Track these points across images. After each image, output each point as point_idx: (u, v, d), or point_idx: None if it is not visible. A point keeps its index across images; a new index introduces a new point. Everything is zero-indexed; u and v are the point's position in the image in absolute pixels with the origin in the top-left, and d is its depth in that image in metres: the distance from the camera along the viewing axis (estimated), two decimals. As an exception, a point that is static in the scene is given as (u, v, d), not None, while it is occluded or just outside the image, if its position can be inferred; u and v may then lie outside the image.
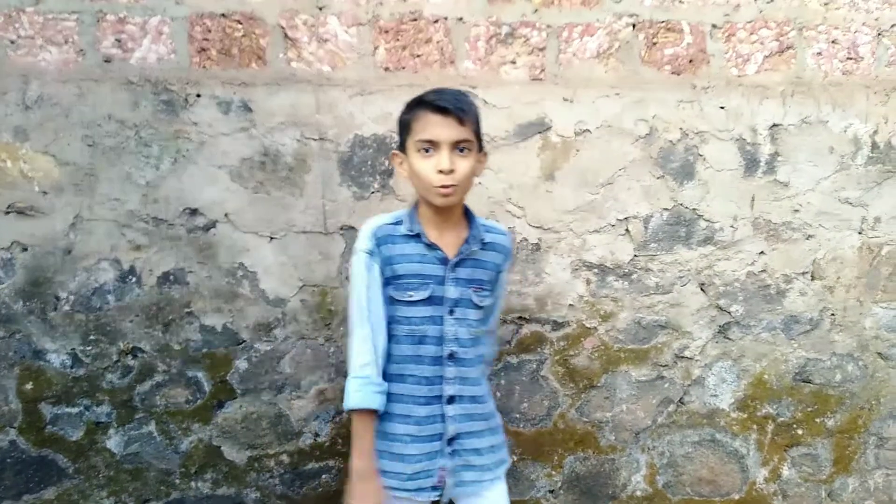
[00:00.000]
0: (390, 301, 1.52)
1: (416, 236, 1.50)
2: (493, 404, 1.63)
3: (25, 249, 1.94)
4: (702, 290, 2.09)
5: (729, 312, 2.10)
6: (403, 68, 1.95)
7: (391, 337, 1.53)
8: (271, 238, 1.99)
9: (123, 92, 1.91)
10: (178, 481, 2.04)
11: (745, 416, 2.15)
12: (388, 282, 1.51)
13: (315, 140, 1.96)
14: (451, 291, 1.50)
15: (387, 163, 1.98)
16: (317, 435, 2.07)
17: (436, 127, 1.40)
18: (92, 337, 1.98)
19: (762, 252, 2.08)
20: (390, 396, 1.52)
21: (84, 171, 1.92)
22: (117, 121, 1.91)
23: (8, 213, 1.92)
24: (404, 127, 1.48)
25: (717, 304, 2.10)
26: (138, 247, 1.96)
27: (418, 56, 1.95)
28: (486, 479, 1.55)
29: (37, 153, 1.91)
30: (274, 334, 2.02)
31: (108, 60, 1.90)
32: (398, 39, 1.94)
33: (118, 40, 1.89)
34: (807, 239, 2.08)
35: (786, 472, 2.18)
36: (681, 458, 2.16)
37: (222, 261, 1.98)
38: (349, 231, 2.00)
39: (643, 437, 2.14)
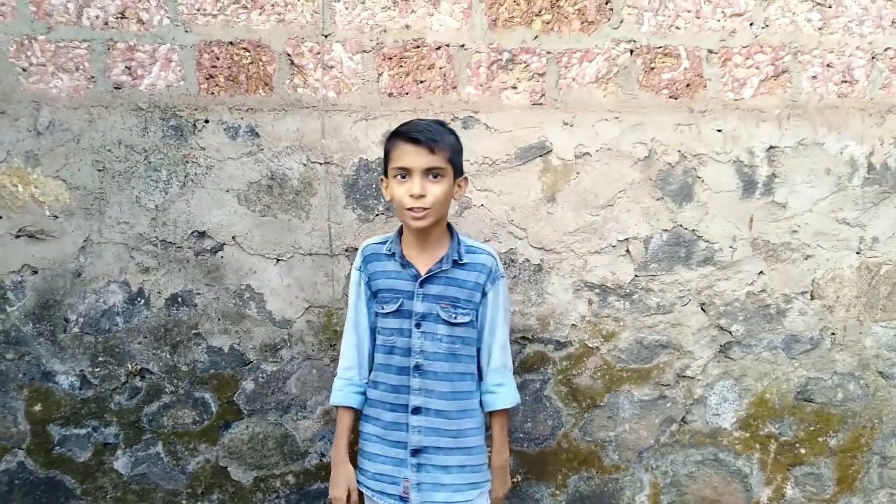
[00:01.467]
0: (375, 314, 1.69)
1: (393, 255, 1.66)
2: (474, 427, 1.66)
3: (36, 272, 1.97)
4: (702, 309, 2.11)
5: (730, 332, 2.12)
6: (407, 94, 1.99)
7: (374, 346, 1.70)
8: (278, 260, 2.02)
9: (133, 118, 1.95)
10: (184, 502, 2.06)
11: (748, 435, 2.16)
12: (374, 295, 1.69)
13: (321, 164, 2.00)
14: (419, 306, 1.63)
15: (391, 186, 2.01)
16: (322, 455, 2.08)
17: (409, 155, 1.54)
18: (100, 358, 2.00)
19: (761, 272, 2.11)
20: (368, 400, 1.69)
21: (94, 196, 1.96)
22: (127, 146, 1.95)
23: (19, 236, 1.95)
24: (386, 155, 1.62)
25: (718, 323, 2.12)
26: (147, 269, 1.99)
27: (421, 82, 1.99)
28: (456, 500, 1.61)
29: (48, 178, 1.95)
30: (280, 355, 2.04)
31: (118, 87, 1.94)
32: (401, 66, 1.98)
33: (128, 67, 1.93)
34: (805, 259, 2.11)
35: (789, 491, 2.18)
36: (684, 478, 2.17)
37: (229, 283, 2.01)
38: (354, 253, 2.02)
39: (646, 456, 2.15)
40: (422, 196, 1.53)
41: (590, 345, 2.10)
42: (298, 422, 2.07)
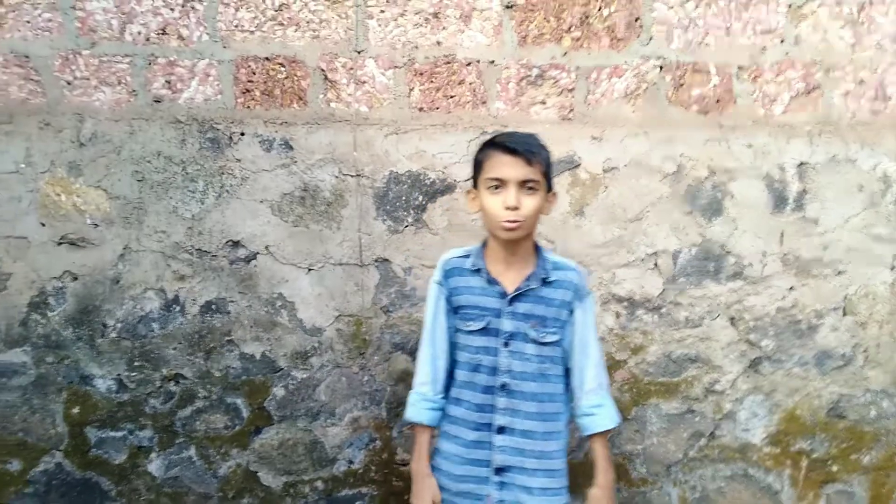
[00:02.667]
0: (456, 329, 1.63)
1: (478, 271, 1.60)
2: (558, 449, 1.61)
3: (76, 279, 2.03)
4: (732, 324, 2.10)
5: (760, 347, 2.11)
6: (437, 108, 2.03)
7: (456, 362, 1.65)
8: (309, 269, 2.06)
9: (172, 130, 2.01)
10: (215, 506, 2.10)
11: (779, 451, 2.15)
12: (455, 311, 1.63)
13: (352, 176, 2.04)
14: (507, 325, 1.57)
15: (420, 198, 2.04)
16: (351, 462, 2.11)
17: (504, 166, 1.49)
18: (137, 363, 2.06)
19: (792, 287, 2.10)
20: (448, 417, 1.65)
21: (133, 205, 2.02)
22: (165, 157, 2.01)
23: (61, 243, 2.02)
24: (477, 166, 1.57)
25: (748, 338, 2.11)
26: (182, 277, 2.04)
27: (451, 97, 2.02)
28: None
29: (89, 187, 2.01)
30: (310, 363, 2.08)
31: (157, 100, 2.00)
32: (432, 81, 2.02)
33: (168, 82, 2.00)
34: (837, 275, 2.09)
35: (820, 509, 2.16)
36: (713, 493, 2.16)
37: (262, 291, 2.05)
38: (383, 263, 2.06)
39: (675, 470, 2.14)
40: (516, 208, 1.48)
41: (617, 358, 2.10)
42: (327, 429, 2.10)
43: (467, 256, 1.64)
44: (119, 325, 2.04)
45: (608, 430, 1.62)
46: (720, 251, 2.08)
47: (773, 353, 2.12)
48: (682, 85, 2.02)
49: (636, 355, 2.10)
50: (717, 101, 2.03)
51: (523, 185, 1.50)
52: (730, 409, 2.14)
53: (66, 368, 2.05)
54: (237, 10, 1.97)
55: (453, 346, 1.65)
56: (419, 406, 1.65)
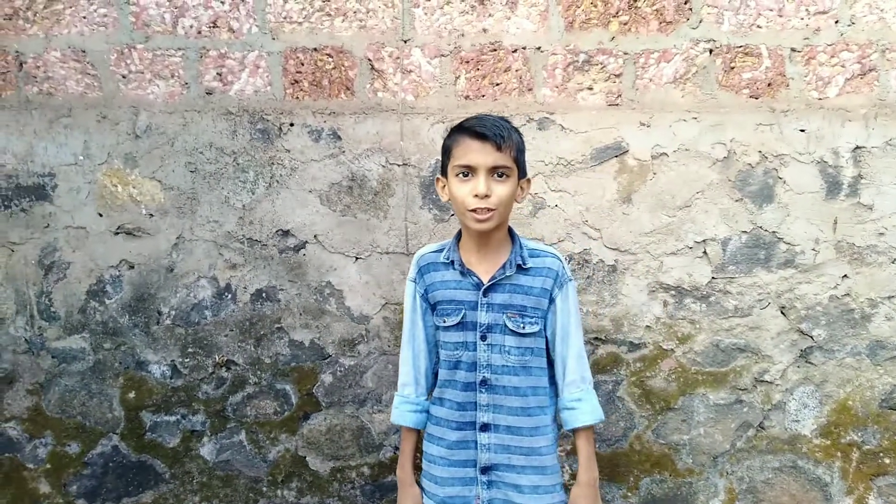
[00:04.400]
0: (435, 327, 1.57)
1: (452, 263, 1.53)
2: (547, 444, 1.53)
3: (132, 267, 2.09)
4: (782, 313, 2.07)
5: (811, 336, 2.07)
6: (483, 96, 2.03)
7: (438, 361, 1.60)
8: (356, 258, 2.08)
9: (223, 122, 2.05)
10: (265, 489, 2.14)
11: (829, 442, 2.11)
12: (433, 308, 1.57)
13: (399, 165, 2.05)
14: (483, 317, 1.50)
15: (466, 186, 2.05)
16: (396, 448, 2.13)
17: (474, 153, 1.42)
18: (190, 350, 2.11)
19: (845, 275, 2.05)
20: (432, 419, 1.59)
21: (186, 195, 2.07)
22: (217, 148, 2.05)
23: (117, 233, 2.08)
24: (446, 152, 1.50)
25: (799, 327, 2.07)
26: (234, 266, 2.09)
27: (497, 84, 2.02)
28: None
29: (144, 178, 2.07)
30: (358, 350, 2.11)
31: (209, 93, 2.04)
32: (478, 69, 2.02)
33: (219, 74, 2.04)
34: (893, 262, 2.04)
35: (872, 502, 2.11)
36: (761, 484, 2.13)
37: (311, 279, 2.09)
38: (429, 252, 2.07)
39: (721, 461, 2.12)
40: (487, 196, 1.41)
41: (664, 347, 2.09)
42: (374, 415, 2.13)
43: (441, 250, 1.57)
44: (173, 312, 2.10)
45: (591, 426, 1.53)
46: (771, 238, 2.04)
47: (825, 342, 2.08)
48: (732, 68, 1.99)
49: (683, 344, 2.08)
50: (769, 84, 1.99)
51: (493, 171, 1.42)
52: (779, 399, 2.10)
53: (123, 354, 2.11)
54: (286, 1, 2.00)
55: (435, 346, 1.59)
56: (401, 409, 1.59)
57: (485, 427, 1.51)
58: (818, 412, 2.11)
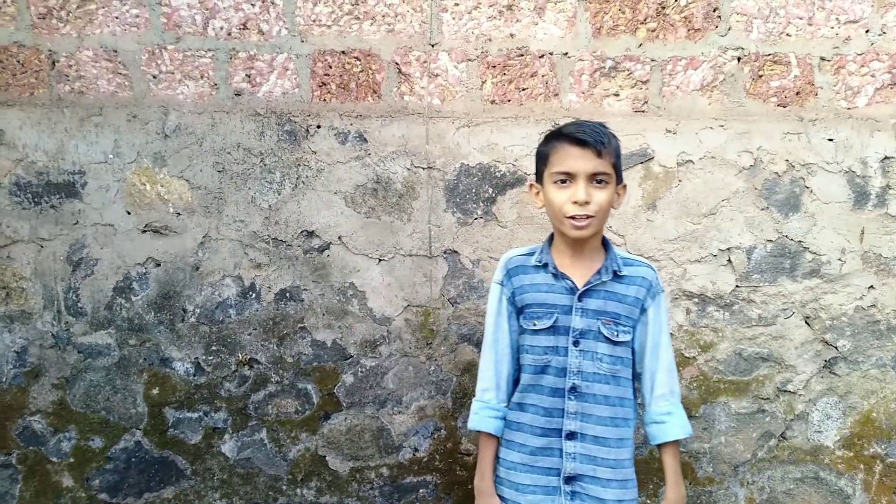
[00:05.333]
0: (521, 330, 1.54)
1: (545, 266, 1.52)
2: (629, 458, 1.51)
3: (158, 265, 2.11)
4: (807, 323, 2.06)
5: (835, 347, 2.06)
6: (509, 101, 2.04)
7: (521, 366, 1.56)
8: (380, 260, 2.10)
9: (251, 123, 2.07)
10: (285, 487, 2.16)
11: (852, 454, 2.09)
12: (520, 311, 1.54)
13: (424, 168, 2.06)
14: (577, 322, 1.48)
15: (490, 190, 2.06)
16: (416, 450, 2.14)
17: (573, 159, 1.41)
18: (213, 347, 2.13)
19: (871, 286, 2.03)
20: (511, 424, 1.55)
21: (213, 195, 2.09)
22: (244, 149, 2.07)
23: (145, 231, 2.10)
24: (542, 158, 1.49)
25: (824, 338, 2.06)
26: (259, 265, 2.10)
27: (524, 89, 2.03)
28: None
29: (173, 178, 2.09)
30: (379, 351, 2.12)
31: (238, 94, 2.07)
32: (505, 74, 2.03)
33: (248, 75, 2.06)
34: (920, 274, 2.02)
35: (895, 515, 2.10)
36: (781, 495, 2.11)
37: (334, 280, 2.10)
38: (452, 255, 2.08)
39: (742, 470, 2.11)
40: (586, 203, 1.40)
41: (686, 354, 2.08)
42: (394, 416, 2.14)
43: (531, 254, 1.56)
44: (198, 310, 2.12)
45: (678, 440, 1.52)
46: (797, 248, 2.03)
47: (850, 353, 2.06)
48: (760, 76, 1.98)
49: (706, 353, 2.08)
50: (798, 93, 1.98)
51: (593, 178, 1.41)
52: (802, 409, 2.09)
53: (148, 351, 2.14)
54: (315, 4, 2.02)
55: (517, 350, 1.56)
56: (482, 414, 1.56)
57: (571, 435, 1.48)
58: (841, 423, 2.09)
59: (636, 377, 1.56)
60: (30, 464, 2.15)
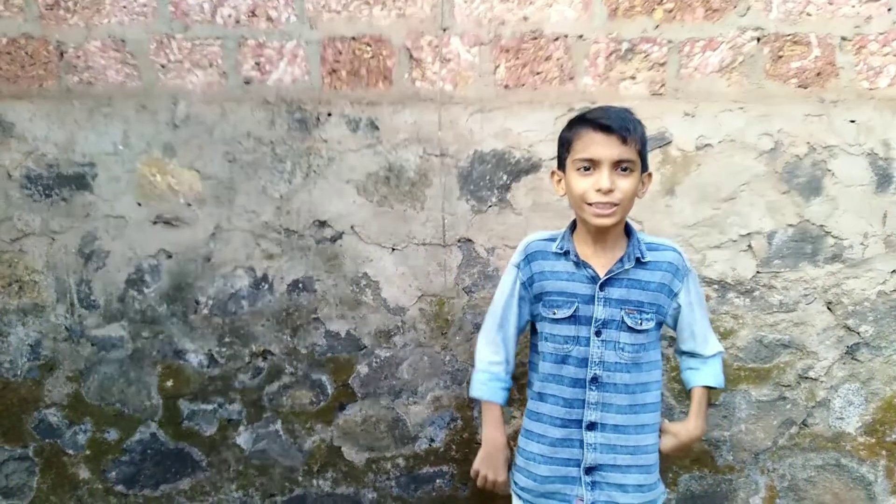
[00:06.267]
0: (539, 318, 1.53)
1: (566, 254, 1.50)
2: (652, 443, 1.53)
3: (170, 256, 2.10)
4: (828, 309, 2.02)
5: (858, 333, 2.02)
6: (523, 85, 2.00)
7: (538, 354, 1.55)
8: (393, 249, 2.07)
9: (261, 111, 2.04)
10: (300, 478, 2.15)
11: (874, 441, 2.06)
12: (537, 298, 1.53)
13: (436, 156, 2.03)
14: (600, 311, 1.47)
15: (504, 177, 2.03)
16: (432, 440, 2.13)
17: (597, 145, 1.38)
18: (227, 339, 2.12)
19: (894, 271, 1.99)
20: (531, 414, 1.56)
21: (224, 185, 2.07)
22: (255, 138, 2.05)
23: (156, 222, 2.09)
24: (565, 145, 1.46)
25: (846, 323, 2.02)
26: (271, 256, 2.08)
27: (538, 73, 1.99)
28: None
29: (183, 168, 2.07)
30: (393, 341, 2.10)
31: (247, 82, 2.04)
32: (518, 58, 1.99)
33: (257, 63, 2.03)
34: (945, 258, 1.98)
35: (918, 502, 2.07)
36: (803, 482, 2.09)
37: (347, 270, 2.08)
38: (466, 243, 2.06)
39: (763, 458, 2.08)
40: (610, 191, 1.37)
41: (705, 341, 2.05)
42: (409, 407, 2.12)
43: (553, 240, 1.53)
44: (210, 301, 2.11)
45: (707, 389, 1.61)
46: (818, 232, 1.99)
47: (872, 339, 2.03)
48: (780, 57, 1.94)
49: (726, 340, 2.04)
50: (818, 74, 1.94)
51: (617, 165, 1.38)
52: (823, 396, 2.06)
53: (161, 343, 2.13)
54: (324, -10, 1.98)
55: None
56: (491, 385, 1.58)
57: (591, 426, 1.48)
58: (863, 410, 2.06)
59: (678, 352, 1.66)
60: (46, 456, 2.15)
